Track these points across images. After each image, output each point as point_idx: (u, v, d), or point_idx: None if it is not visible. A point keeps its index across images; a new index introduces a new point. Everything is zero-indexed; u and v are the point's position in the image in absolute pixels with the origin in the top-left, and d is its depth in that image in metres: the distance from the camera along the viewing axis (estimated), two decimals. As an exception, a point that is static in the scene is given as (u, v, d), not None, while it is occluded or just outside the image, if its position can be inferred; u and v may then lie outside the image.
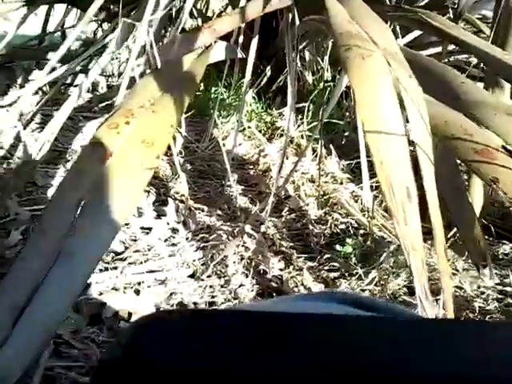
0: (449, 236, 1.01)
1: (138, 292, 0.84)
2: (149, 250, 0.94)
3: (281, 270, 0.93)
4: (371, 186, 1.13)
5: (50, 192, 1.06)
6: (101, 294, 0.82)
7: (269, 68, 1.48)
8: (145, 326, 0.25)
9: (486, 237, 1.03)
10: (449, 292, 0.66)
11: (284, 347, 0.23)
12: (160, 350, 0.22)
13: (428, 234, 0.63)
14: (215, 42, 1.16)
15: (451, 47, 1.43)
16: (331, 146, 1.32)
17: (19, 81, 1.54)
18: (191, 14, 1.56)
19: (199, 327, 0.24)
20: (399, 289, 0.88)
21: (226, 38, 1.19)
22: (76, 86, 1.54)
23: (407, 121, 0.68)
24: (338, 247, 0.96)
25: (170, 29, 1.51)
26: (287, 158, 1.28)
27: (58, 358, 0.72)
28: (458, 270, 0.96)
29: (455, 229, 0.97)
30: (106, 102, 1.45)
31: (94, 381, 0.24)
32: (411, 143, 0.66)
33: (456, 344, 0.23)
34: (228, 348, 0.23)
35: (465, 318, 0.84)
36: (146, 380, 0.21)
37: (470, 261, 0.97)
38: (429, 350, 0.22)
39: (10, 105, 1.40)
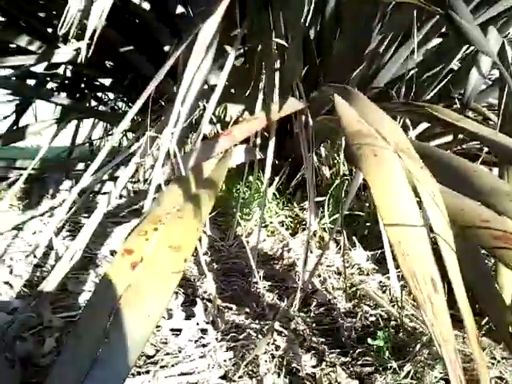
0: (483, 323, 0.99)
1: (170, 397, 0.84)
2: (179, 351, 0.94)
3: (313, 367, 0.91)
4: (398, 276, 1.13)
5: (82, 298, 1.08)
6: (134, 400, 0.82)
7: (287, 165, 1.54)
8: None
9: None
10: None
11: None
12: None
13: (462, 322, 0.63)
14: (235, 145, 1.23)
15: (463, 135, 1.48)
16: (354, 237, 1.34)
17: (51, 191, 1.62)
18: (210, 121, 1.66)
19: None
20: (437, 382, 0.86)
21: (244, 140, 1.26)
22: (104, 193, 1.62)
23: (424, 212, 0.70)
24: (369, 340, 0.95)
25: (191, 135, 1.60)
26: (311, 252, 1.30)
27: None
28: (496, 359, 0.94)
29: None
30: (134, 207, 1.52)
31: None
32: (431, 233, 0.68)
33: None
34: None
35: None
36: None
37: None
38: None
39: (43, 214, 1.47)
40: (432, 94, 1.56)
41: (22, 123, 1.94)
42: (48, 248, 1.27)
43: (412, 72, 1.43)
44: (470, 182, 0.90)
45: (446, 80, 1.52)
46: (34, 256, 1.24)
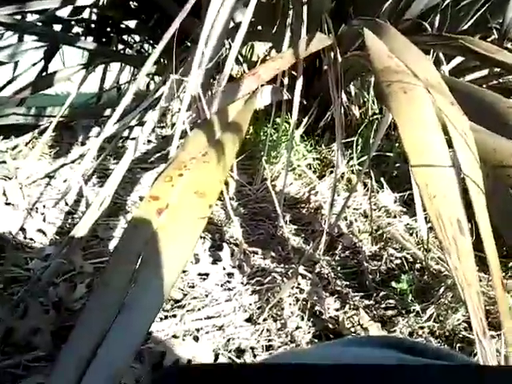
0: (510, 265, 0.97)
1: (196, 339, 0.87)
2: (206, 295, 0.97)
3: (337, 310, 0.93)
4: (426, 218, 1.11)
5: (112, 244, 1.11)
6: (162, 342, 0.85)
7: (315, 106, 1.50)
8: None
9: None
10: (509, 326, 0.64)
11: None
12: None
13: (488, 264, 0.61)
14: (261, 85, 1.20)
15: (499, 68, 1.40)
16: (382, 178, 1.31)
17: (80, 138, 1.63)
18: (237, 61, 1.61)
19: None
20: (459, 324, 0.86)
21: (271, 80, 1.22)
22: (133, 139, 1.62)
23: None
24: (393, 284, 0.95)
25: (217, 76, 1.57)
26: (338, 195, 1.28)
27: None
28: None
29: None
30: (161, 152, 1.52)
31: None
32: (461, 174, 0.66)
33: None
34: None
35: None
36: None
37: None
38: None
39: (73, 162, 1.49)
40: (468, 24, 1.46)
41: (50, 70, 1.94)
42: (78, 195, 1.30)
43: (447, 1, 1.34)
44: (505, 119, 0.86)
45: (483, 9, 1.42)
46: (66, 203, 1.26)
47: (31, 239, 1.11)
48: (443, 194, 0.66)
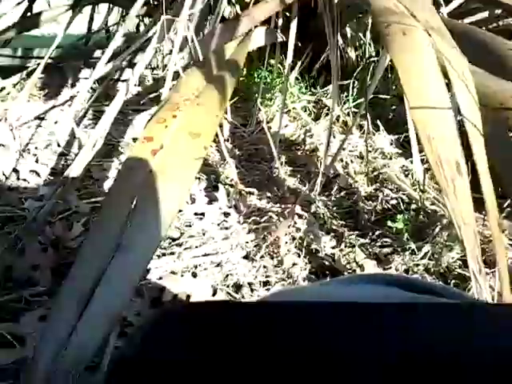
0: (505, 206, 0.99)
1: (195, 275, 0.88)
2: (203, 234, 0.98)
3: (333, 248, 0.94)
4: (422, 159, 1.12)
5: (106, 184, 1.11)
6: (160, 278, 0.87)
7: (310, 48, 1.48)
8: (157, 328, 0.25)
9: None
10: (503, 263, 0.65)
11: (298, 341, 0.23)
12: (171, 351, 0.23)
13: (484, 204, 0.62)
14: (255, 27, 1.17)
15: (499, 11, 1.38)
16: (378, 121, 1.31)
17: (70, 80, 1.60)
18: (229, 1, 1.57)
19: (221, 320, 0.24)
20: (454, 262, 0.88)
21: (265, 21, 1.20)
22: (124, 81, 1.59)
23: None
24: (389, 223, 0.96)
25: (210, 17, 1.52)
26: (334, 137, 1.28)
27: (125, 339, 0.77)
28: (515, 240, 0.95)
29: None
30: (153, 94, 1.50)
31: (108, 379, 0.24)
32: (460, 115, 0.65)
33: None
34: (246, 348, 0.23)
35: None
36: (156, 380, 0.22)
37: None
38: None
39: (63, 103, 1.46)
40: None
41: (34, 10, 1.87)
42: (70, 137, 1.28)
43: None
44: (505, 61, 0.86)
45: None
46: (58, 145, 1.25)
47: (25, 180, 1.10)
48: (442, 136, 0.66)
